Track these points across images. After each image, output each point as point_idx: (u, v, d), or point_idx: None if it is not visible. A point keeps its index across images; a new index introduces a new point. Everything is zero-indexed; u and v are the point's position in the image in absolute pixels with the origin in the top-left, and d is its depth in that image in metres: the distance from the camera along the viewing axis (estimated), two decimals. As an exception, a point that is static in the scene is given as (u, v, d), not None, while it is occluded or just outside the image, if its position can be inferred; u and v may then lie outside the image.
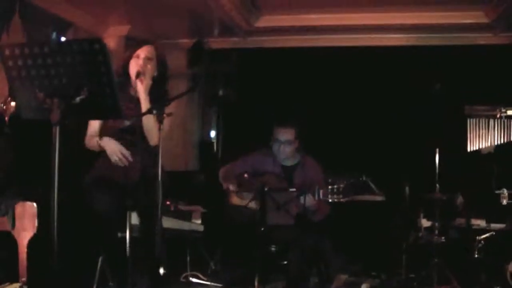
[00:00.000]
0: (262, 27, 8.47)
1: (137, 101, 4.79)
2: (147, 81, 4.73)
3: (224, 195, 6.09)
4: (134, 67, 4.78)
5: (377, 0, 7.61)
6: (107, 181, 4.72)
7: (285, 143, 5.95)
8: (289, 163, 6.07)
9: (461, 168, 7.17)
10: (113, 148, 4.69)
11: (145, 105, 4.66)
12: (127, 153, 4.67)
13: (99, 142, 4.73)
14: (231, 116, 8.96)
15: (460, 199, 6.71)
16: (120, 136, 4.77)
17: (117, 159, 4.66)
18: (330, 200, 5.48)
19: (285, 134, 5.97)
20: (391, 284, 6.57)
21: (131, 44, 5.12)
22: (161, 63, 4.93)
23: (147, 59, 4.80)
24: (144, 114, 4.54)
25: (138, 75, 4.68)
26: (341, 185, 5.44)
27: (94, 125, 4.82)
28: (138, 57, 4.80)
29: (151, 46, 4.91)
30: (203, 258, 6.72)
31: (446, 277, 6.13)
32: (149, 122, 4.63)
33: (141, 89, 4.69)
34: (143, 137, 4.71)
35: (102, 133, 4.83)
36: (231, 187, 6.01)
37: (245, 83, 8.69)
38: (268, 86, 8.65)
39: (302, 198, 5.49)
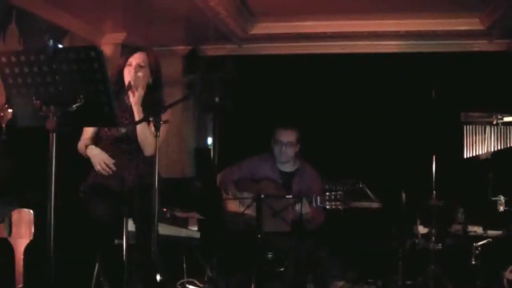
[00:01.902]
0: (258, 34, 8.47)
1: (131, 109, 4.80)
2: (139, 92, 4.71)
3: (221, 202, 6.09)
4: (127, 75, 4.76)
5: (373, 7, 7.61)
6: (103, 188, 4.72)
7: (287, 145, 5.96)
8: (288, 169, 6.07)
9: (458, 175, 7.18)
10: (97, 157, 4.68)
11: (138, 116, 4.65)
12: (110, 162, 4.65)
13: (86, 151, 4.73)
14: (227, 123, 8.95)
15: (461, 214, 6.72)
16: (115, 144, 4.77)
17: (100, 168, 4.65)
18: (327, 207, 5.49)
19: (287, 136, 5.98)
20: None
21: (125, 51, 5.11)
22: (154, 70, 4.91)
23: (139, 66, 4.77)
24: (140, 121, 4.54)
25: (129, 87, 4.67)
26: (340, 192, 5.45)
27: (88, 132, 4.81)
28: (130, 65, 4.79)
29: (143, 53, 4.87)
30: (200, 264, 6.70)
31: (442, 283, 6.13)
32: (143, 133, 4.62)
33: (134, 101, 4.69)
34: (139, 145, 4.71)
35: (97, 141, 4.83)
36: (229, 193, 6.02)
37: (241, 90, 8.69)
38: (264, 93, 8.65)
39: (298, 205, 5.49)
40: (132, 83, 4.68)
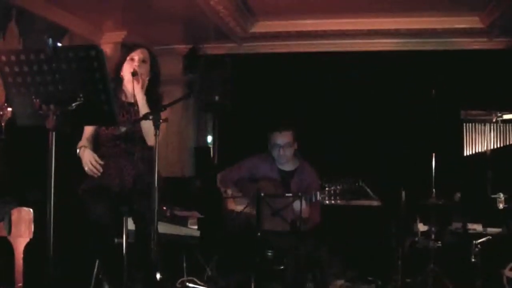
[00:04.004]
0: (257, 33, 8.49)
1: (128, 106, 4.80)
2: (144, 80, 4.71)
3: (221, 200, 6.09)
4: (127, 70, 4.74)
5: (372, 6, 7.61)
6: (103, 188, 4.71)
7: (284, 146, 5.94)
8: (287, 167, 6.05)
9: (457, 172, 7.18)
10: (85, 158, 4.63)
11: (142, 104, 4.62)
12: (97, 163, 4.60)
13: (78, 153, 4.71)
14: (227, 122, 8.96)
15: (457, 195, 6.72)
16: (114, 143, 4.76)
17: (87, 169, 4.62)
18: (327, 202, 5.49)
19: (283, 138, 5.95)
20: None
21: (124, 48, 5.10)
22: (154, 66, 4.92)
23: (142, 61, 4.77)
24: (140, 119, 4.51)
25: (134, 73, 4.63)
26: (338, 187, 5.44)
27: (86, 134, 4.79)
28: (132, 59, 4.76)
29: (145, 49, 4.90)
30: (200, 263, 6.71)
31: (442, 281, 6.13)
32: (148, 125, 4.53)
33: (138, 89, 4.63)
34: (138, 144, 4.70)
35: (97, 141, 4.82)
36: (228, 192, 6.02)
37: (240, 88, 8.69)
38: (263, 92, 8.66)
39: (296, 204, 5.50)
40: (138, 70, 4.68)
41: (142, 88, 4.67)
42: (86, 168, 4.61)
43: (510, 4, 6.90)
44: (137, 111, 4.69)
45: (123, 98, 4.85)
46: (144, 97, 4.65)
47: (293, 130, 6.02)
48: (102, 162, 4.61)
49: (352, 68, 8.34)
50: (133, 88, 4.65)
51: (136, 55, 4.79)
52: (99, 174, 4.61)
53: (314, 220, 5.82)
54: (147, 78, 4.78)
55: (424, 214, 6.57)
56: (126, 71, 4.75)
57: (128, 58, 4.80)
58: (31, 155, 5.12)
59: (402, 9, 7.74)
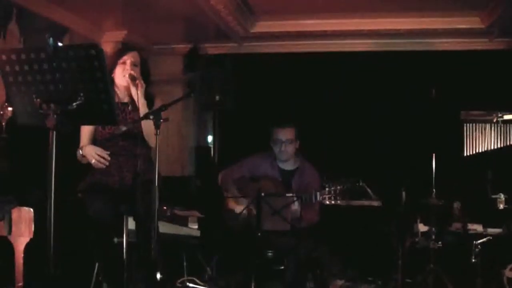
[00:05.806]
0: (258, 33, 8.48)
1: (122, 106, 4.86)
2: (142, 84, 4.73)
3: (221, 200, 6.08)
4: (120, 73, 4.81)
5: (373, 6, 7.61)
6: (102, 187, 4.72)
7: (286, 142, 5.94)
8: (288, 167, 6.06)
9: (458, 173, 7.18)
10: (90, 152, 4.69)
11: (143, 106, 4.66)
12: (104, 153, 4.66)
13: (81, 153, 4.73)
14: (228, 121, 8.95)
15: (457, 205, 6.72)
16: (112, 142, 4.77)
17: (95, 161, 4.65)
18: (327, 202, 5.49)
19: (286, 134, 5.97)
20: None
21: (116, 50, 5.11)
22: (144, 69, 4.95)
23: (134, 65, 4.82)
24: (141, 119, 4.52)
25: (133, 79, 4.68)
26: (338, 187, 5.45)
27: (83, 138, 4.82)
28: (124, 63, 4.82)
29: (136, 52, 4.93)
30: (200, 263, 6.70)
31: (442, 282, 6.13)
32: (148, 126, 4.56)
33: (140, 94, 4.69)
34: (138, 143, 4.70)
35: (95, 144, 4.83)
36: (229, 192, 6.01)
37: (241, 88, 8.69)
38: (264, 91, 8.65)
39: (294, 204, 5.50)
40: (135, 75, 4.70)
41: (142, 92, 4.71)
42: (93, 161, 4.65)
43: (510, 4, 6.89)
44: (131, 111, 4.85)
45: (116, 99, 4.86)
46: (145, 102, 4.68)
47: (295, 127, 6.03)
48: (108, 152, 4.65)
49: (352, 68, 8.33)
50: (133, 91, 4.70)
51: (128, 59, 4.84)
52: (107, 163, 4.63)
53: (309, 220, 5.81)
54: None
55: (425, 215, 6.56)
56: (119, 75, 4.79)
57: (119, 61, 4.83)
58: (31, 154, 5.12)
59: (403, 9, 7.74)
